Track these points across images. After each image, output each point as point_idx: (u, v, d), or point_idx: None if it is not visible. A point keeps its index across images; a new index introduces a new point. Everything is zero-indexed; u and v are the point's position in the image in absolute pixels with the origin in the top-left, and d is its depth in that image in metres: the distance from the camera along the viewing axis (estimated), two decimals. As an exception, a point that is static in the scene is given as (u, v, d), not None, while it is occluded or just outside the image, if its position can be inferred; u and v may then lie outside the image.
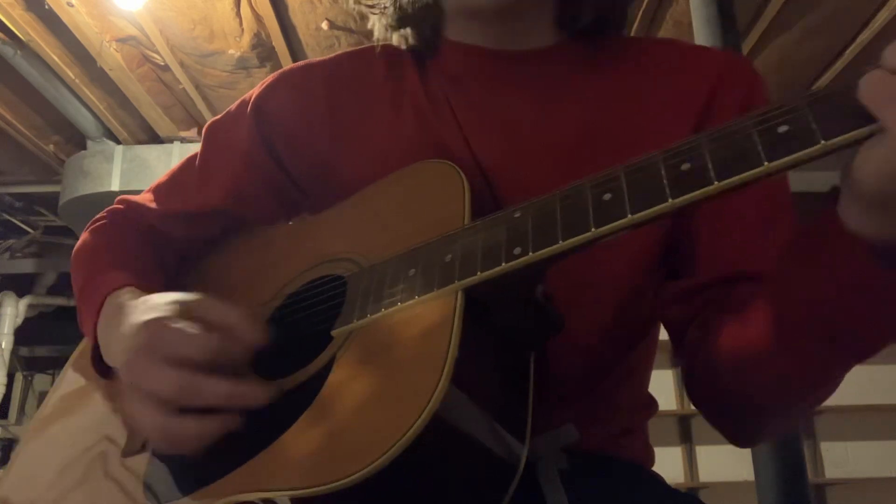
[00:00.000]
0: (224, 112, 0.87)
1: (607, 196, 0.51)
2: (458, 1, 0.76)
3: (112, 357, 0.68)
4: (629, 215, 0.49)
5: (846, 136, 0.42)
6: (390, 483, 0.50)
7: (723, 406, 0.68)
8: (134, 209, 0.87)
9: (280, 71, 0.86)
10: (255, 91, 0.84)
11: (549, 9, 0.79)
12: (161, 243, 0.85)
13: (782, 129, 0.44)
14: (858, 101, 0.41)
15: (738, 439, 0.70)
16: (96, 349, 0.72)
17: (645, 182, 0.50)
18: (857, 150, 0.43)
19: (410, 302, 0.58)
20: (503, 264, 0.54)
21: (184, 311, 0.62)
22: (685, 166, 0.48)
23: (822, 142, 0.42)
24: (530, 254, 0.53)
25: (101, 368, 0.73)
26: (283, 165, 0.82)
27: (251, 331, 0.62)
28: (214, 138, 0.86)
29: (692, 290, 0.71)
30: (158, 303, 0.64)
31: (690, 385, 0.71)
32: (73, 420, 0.81)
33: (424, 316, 0.56)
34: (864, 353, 0.53)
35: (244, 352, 0.61)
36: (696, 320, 0.69)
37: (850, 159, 0.44)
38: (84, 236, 0.85)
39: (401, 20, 0.81)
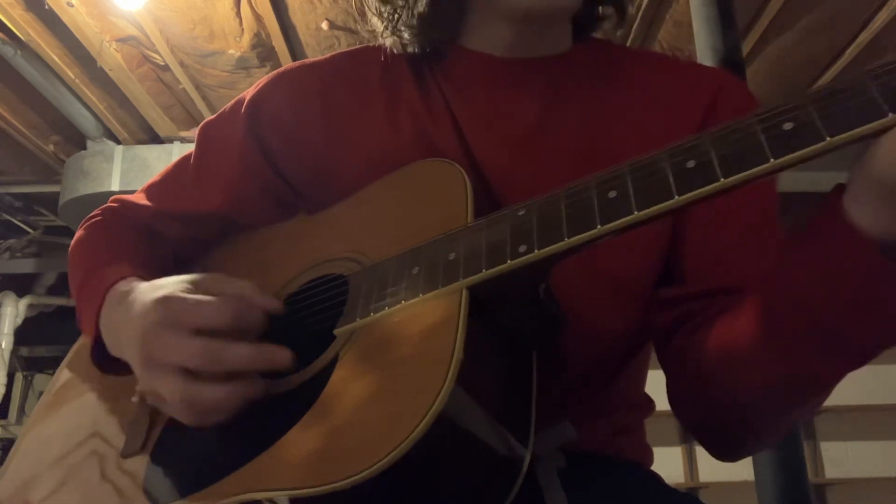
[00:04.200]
0: (218, 112, 0.87)
1: (612, 193, 0.51)
2: (507, 4, 0.74)
3: (121, 345, 0.68)
4: (635, 212, 0.49)
5: (851, 132, 0.42)
6: (392, 484, 0.50)
7: (707, 415, 0.68)
8: (128, 207, 0.87)
9: (275, 71, 0.85)
10: (249, 91, 0.84)
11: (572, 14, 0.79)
12: (156, 241, 0.85)
13: (787, 126, 0.44)
14: (862, 97, 0.41)
15: (721, 452, 0.69)
16: (97, 343, 0.72)
17: (650, 179, 0.50)
18: (872, 141, 0.43)
19: (414, 300, 0.58)
20: (508, 262, 0.54)
21: (195, 285, 0.63)
22: (690, 163, 0.48)
23: (828, 138, 0.42)
24: (536, 251, 0.53)
25: (103, 363, 0.72)
26: (277, 167, 0.82)
27: (264, 298, 0.63)
28: (209, 139, 0.86)
29: (680, 299, 0.71)
30: (167, 282, 0.65)
31: (674, 394, 0.70)
32: (68, 419, 0.81)
33: (428, 314, 0.56)
34: (856, 358, 0.52)
35: (259, 318, 0.62)
36: (683, 328, 0.69)
37: (865, 149, 0.44)
38: (79, 233, 0.85)
39: (421, 27, 0.78)
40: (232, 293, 0.63)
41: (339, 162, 0.79)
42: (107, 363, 0.72)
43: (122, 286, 0.70)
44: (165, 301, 0.61)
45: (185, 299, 0.60)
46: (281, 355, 0.59)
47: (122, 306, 0.67)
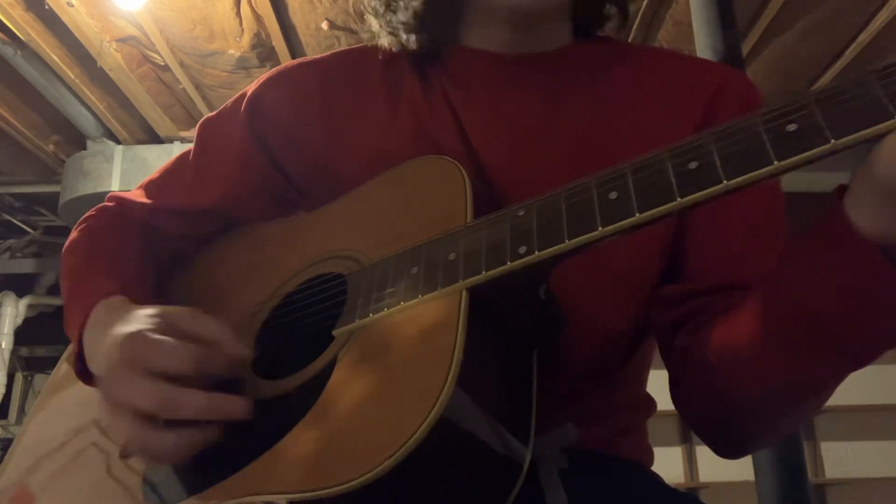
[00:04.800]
0: (219, 109, 0.86)
1: (613, 195, 0.51)
2: (494, 2, 0.75)
3: (95, 366, 0.68)
4: (636, 214, 0.49)
5: (856, 135, 0.41)
6: (393, 486, 0.49)
7: (708, 413, 0.68)
8: (125, 206, 0.86)
9: (275, 69, 0.85)
10: (249, 88, 0.84)
11: (567, 10, 0.79)
12: (153, 240, 0.84)
13: (791, 127, 0.44)
14: (868, 98, 0.41)
15: (723, 449, 0.69)
16: (81, 356, 0.72)
17: (652, 180, 0.49)
18: (875, 142, 0.42)
19: (413, 301, 0.58)
20: (508, 263, 0.54)
21: (166, 323, 0.61)
22: (693, 165, 0.47)
23: (832, 140, 0.42)
24: (536, 253, 0.53)
25: (84, 374, 0.72)
26: (277, 164, 0.81)
27: (234, 345, 0.61)
28: (208, 135, 0.85)
29: (683, 296, 0.70)
30: (141, 315, 0.63)
31: (677, 391, 0.70)
32: (68, 413, 0.81)
33: (428, 315, 0.56)
34: (857, 358, 0.52)
35: (226, 366, 0.60)
36: (686, 326, 0.69)
37: (872, 148, 0.44)
38: (73, 236, 0.84)
39: (417, 24, 0.78)
40: (204, 336, 0.61)
41: (339, 160, 0.78)
42: (88, 375, 0.71)
43: (105, 306, 0.70)
44: (130, 339, 0.60)
45: (148, 340, 0.59)
46: (236, 407, 0.58)
47: (100, 330, 0.67)
